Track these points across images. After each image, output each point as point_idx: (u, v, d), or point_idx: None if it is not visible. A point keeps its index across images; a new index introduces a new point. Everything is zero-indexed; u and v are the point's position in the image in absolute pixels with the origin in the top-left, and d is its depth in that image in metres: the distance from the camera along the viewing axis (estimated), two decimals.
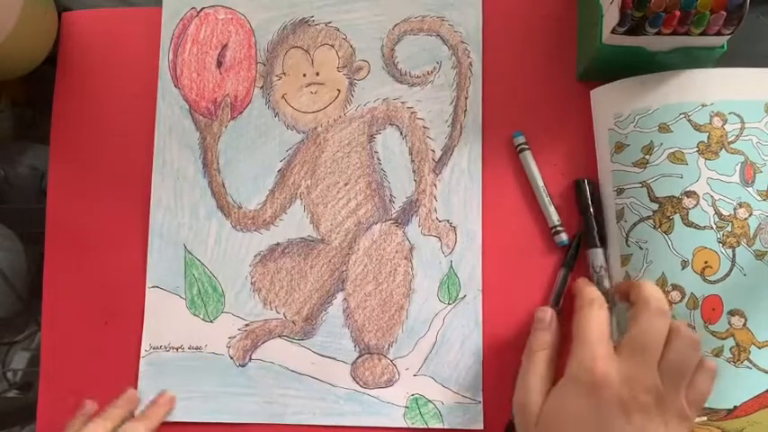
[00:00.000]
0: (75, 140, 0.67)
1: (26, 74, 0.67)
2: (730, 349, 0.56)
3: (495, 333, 0.63)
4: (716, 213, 0.57)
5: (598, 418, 0.50)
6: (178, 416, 0.63)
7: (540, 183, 0.63)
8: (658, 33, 0.55)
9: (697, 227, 0.57)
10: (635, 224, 0.59)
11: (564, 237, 0.62)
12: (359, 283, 0.64)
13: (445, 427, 0.62)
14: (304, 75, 0.67)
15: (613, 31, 0.55)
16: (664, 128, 0.59)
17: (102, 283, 0.65)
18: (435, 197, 0.64)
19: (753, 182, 0.58)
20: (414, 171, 0.65)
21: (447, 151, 0.65)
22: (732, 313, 0.56)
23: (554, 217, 0.63)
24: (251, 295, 0.64)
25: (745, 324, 0.56)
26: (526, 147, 0.64)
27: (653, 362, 0.51)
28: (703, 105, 0.59)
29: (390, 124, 0.66)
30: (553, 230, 0.63)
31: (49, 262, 0.66)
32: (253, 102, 0.67)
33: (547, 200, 0.63)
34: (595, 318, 0.53)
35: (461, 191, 0.64)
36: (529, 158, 0.64)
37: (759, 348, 0.56)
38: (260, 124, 0.66)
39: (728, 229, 0.57)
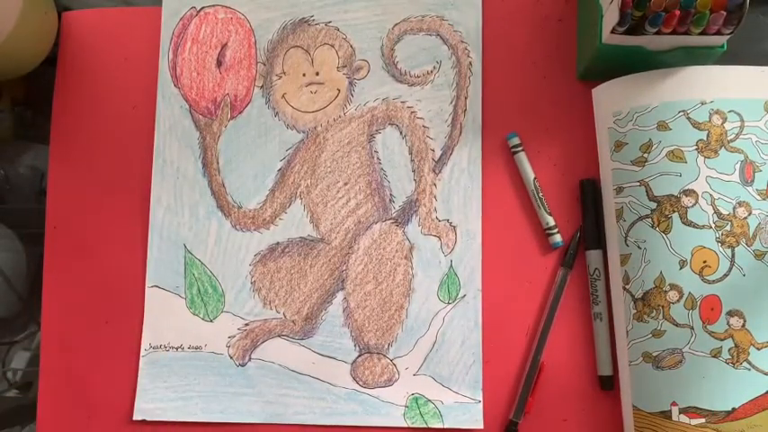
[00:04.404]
0: (75, 140, 0.67)
1: (26, 74, 0.67)
2: (729, 350, 0.56)
3: (495, 332, 0.63)
4: (715, 212, 0.57)
5: None
6: (178, 416, 0.63)
7: (533, 186, 0.63)
8: (658, 33, 0.55)
9: (696, 226, 0.57)
10: (633, 223, 0.59)
11: (558, 238, 0.63)
12: (359, 282, 0.64)
13: (445, 426, 0.62)
14: (304, 74, 0.67)
15: (613, 31, 0.55)
16: (663, 126, 0.59)
17: (102, 283, 0.65)
18: (435, 197, 0.64)
19: (752, 181, 0.58)
20: (413, 171, 0.65)
21: (447, 151, 0.65)
22: (731, 314, 0.56)
23: (547, 219, 0.63)
24: (251, 295, 0.65)
25: (744, 325, 0.56)
26: (520, 149, 0.64)
27: None
28: (703, 103, 0.59)
29: (390, 124, 0.66)
30: (547, 232, 0.63)
31: (49, 262, 0.66)
32: (253, 101, 0.67)
33: (539, 203, 0.63)
34: None
35: (461, 190, 0.64)
36: (523, 160, 0.64)
37: (758, 350, 0.56)
38: (260, 124, 0.66)
39: (728, 228, 0.57)
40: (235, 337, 0.64)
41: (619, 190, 0.60)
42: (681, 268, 0.57)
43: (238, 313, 0.64)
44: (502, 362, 0.62)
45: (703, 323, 0.56)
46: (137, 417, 0.63)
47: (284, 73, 0.67)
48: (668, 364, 0.57)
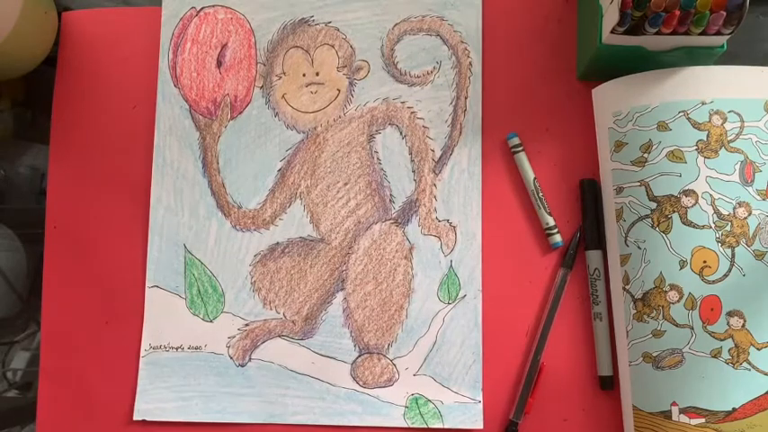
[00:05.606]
0: (75, 140, 0.67)
1: (26, 74, 0.67)
2: (729, 350, 0.56)
3: (495, 332, 0.63)
4: (715, 213, 0.57)
5: None
6: (178, 416, 0.63)
7: (533, 186, 0.63)
8: (658, 33, 0.55)
9: (696, 226, 0.57)
10: (633, 223, 0.59)
11: (558, 238, 0.63)
12: (359, 282, 0.64)
13: (445, 426, 0.62)
14: (304, 75, 0.67)
15: (613, 31, 0.55)
16: (663, 126, 0.59)
17: (102, 283, 0.65)
18: (435, 197, 0.64)
19: (752, 181, 0.58)
20: (413, 171, 0.65)
21: (447, 151, 0.65)
22: (731, 314, 0.56)
23: (547, 219, 0.63)
24: (251, 295, 0.65)
25: (744, 325, 0.56)
26: (520, 149, 0.64)
27: None
28: (703, 103, 0.59)
29: (390, 124, 0.66)
30: (547, 232, 0.63)
31: (49, 262, 0.66)
32: (253, 101, 0.67)
33: (539, 203, 0.63)
34: None
35: (461, 190, 0.64)
36: (523, 160, 0.64)
37: (758, 350, 0.56)
38: (260, 124, 0.66)
39: (728, 228, 0.57)
40: (235, 337, 0.64)
41: (619, 190, 0.60)
42: (681, 268, 0.57)
43: (238, 313, 0.64)
44: (502, 362, 0.62)
45: (703, 323, 0.56)
46: (137, 417, 0.63)
47: (284, 73, 0.67)
48: (668, 365, 0.57)
